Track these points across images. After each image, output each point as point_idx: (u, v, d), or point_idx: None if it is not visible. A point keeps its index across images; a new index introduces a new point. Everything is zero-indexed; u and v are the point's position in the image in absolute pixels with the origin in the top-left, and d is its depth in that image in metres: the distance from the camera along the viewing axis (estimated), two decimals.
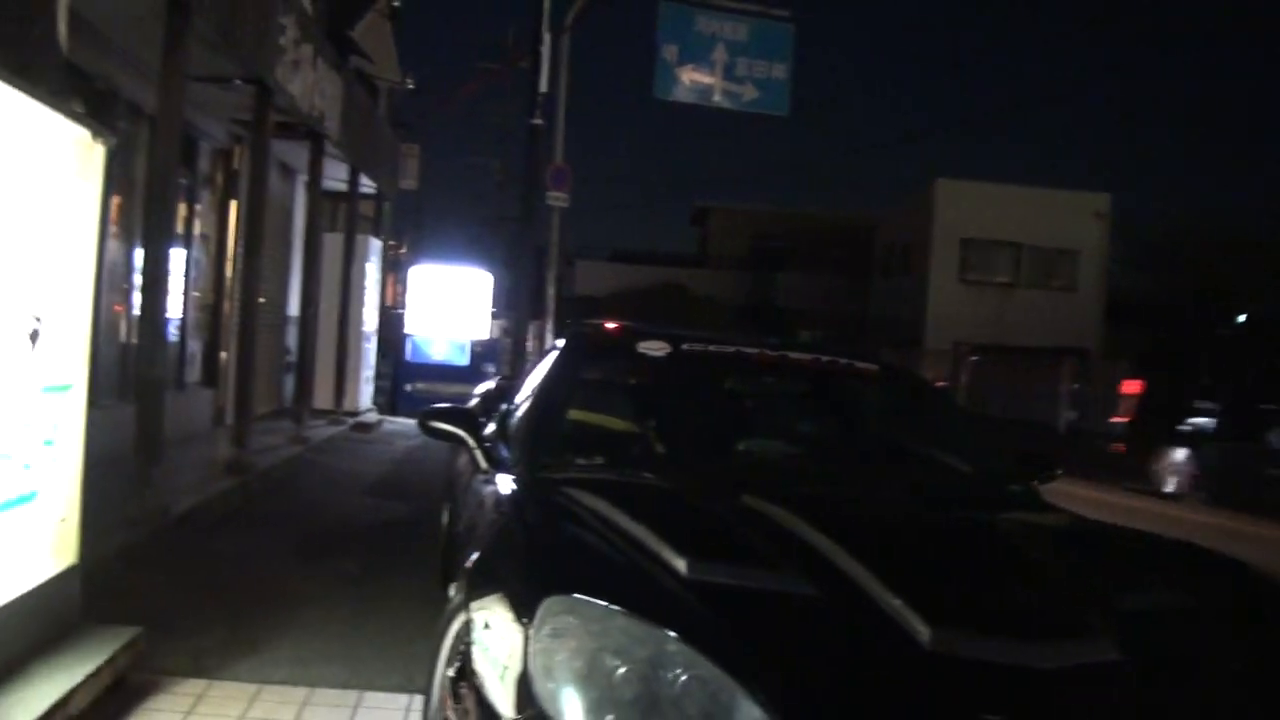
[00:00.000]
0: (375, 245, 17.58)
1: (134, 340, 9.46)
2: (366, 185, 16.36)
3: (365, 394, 17.45)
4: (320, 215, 14.28)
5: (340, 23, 15.43)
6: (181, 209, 10.99)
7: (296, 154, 13.55)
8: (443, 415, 4.39)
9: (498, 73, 33.62)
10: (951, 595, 3.01)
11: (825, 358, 5.07)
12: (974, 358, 25.28)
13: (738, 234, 42.81)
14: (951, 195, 33.67)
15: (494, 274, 21.88)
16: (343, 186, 15.38)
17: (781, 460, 4.63)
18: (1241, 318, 14.81)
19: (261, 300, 11.42)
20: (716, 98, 17.96)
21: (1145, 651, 2.75)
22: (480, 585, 3.03)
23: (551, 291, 19.85)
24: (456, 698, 3.07)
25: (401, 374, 19.29)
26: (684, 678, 2.36)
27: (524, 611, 2.57)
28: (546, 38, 17.14)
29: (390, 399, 19.27)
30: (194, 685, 4.55)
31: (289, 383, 15.43)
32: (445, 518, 6.05)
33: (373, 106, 16.99)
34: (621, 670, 2.38)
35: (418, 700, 4.45)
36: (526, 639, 2.50)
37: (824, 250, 40.58)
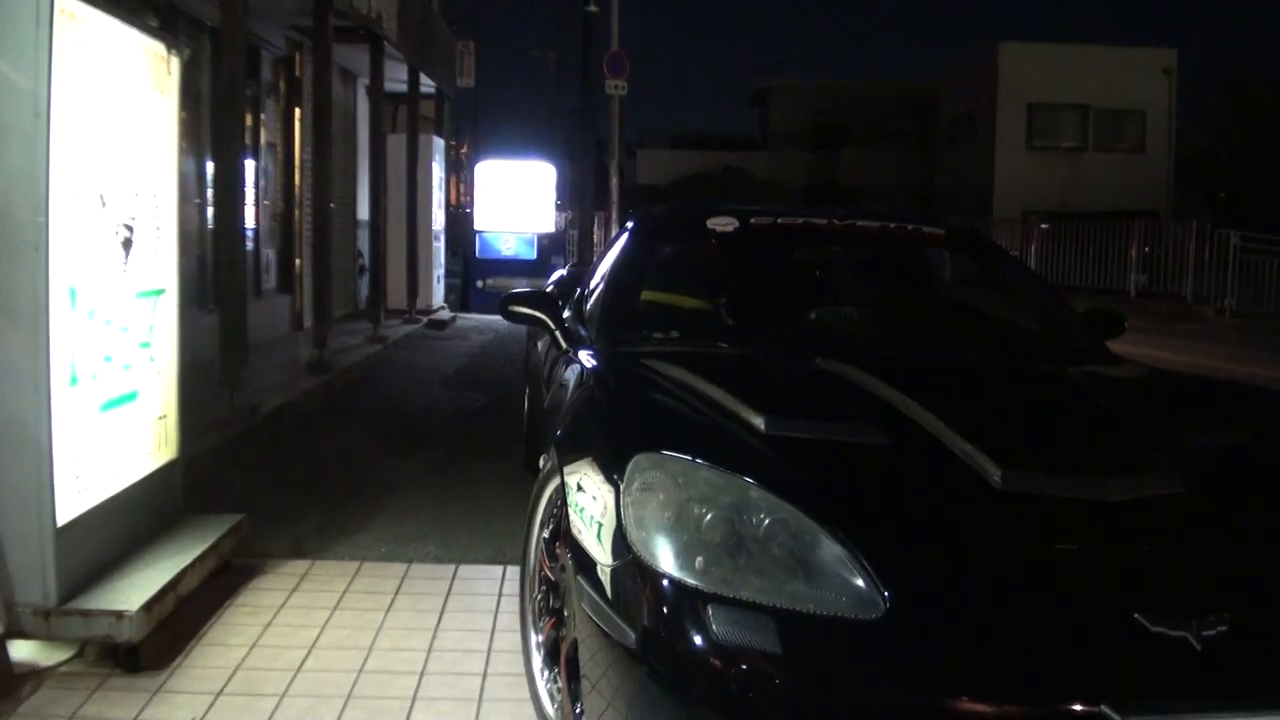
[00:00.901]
0: (438, 145, 17.67)
1: (211, 251, 9.68)
2: (426, 85, 16.40)
3: (438, 292, 17.66)
4: (383, 118, 14.39)
5: None
6: (248, 119, 11.13)
7: (356, 58, 13.64)
8: (522, 299, 4.50)
9: None
10: (1021, 439, 3.14)
11: (893, 224, 5.09)
12: (1044, 225, 24.94)
13: (798, 112, 42.26)
14: (1016, 58, 32.85)
15: (557, 167, 21.81)
16: (403, 88, 15.42)
17: (852, 325, 4.71)
18: None
19: (332, 205, 11.59)
20: None
21: (1210, 485, 2.86)
22: (571, 451, 3.17)
23: (615, 181, 19.92)
24: (552, 557, 3.27)
25: (472, 271, 19.37)
26: (767, 521, 2.50)
27: (614, 470, 2.71)
28: None
29: (462, 296, 19.43)
30: (297, 565, 4.80)
31: (363, 285, 15.67)
32: (527, 404, 6.25)
33: (427, 3, 16.99)
34: (709, 516, 2.51)
35: (511, 570, 4.70)
36: (618, 495, 2.64)
37: (887, 123, 40.05)
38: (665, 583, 2.44)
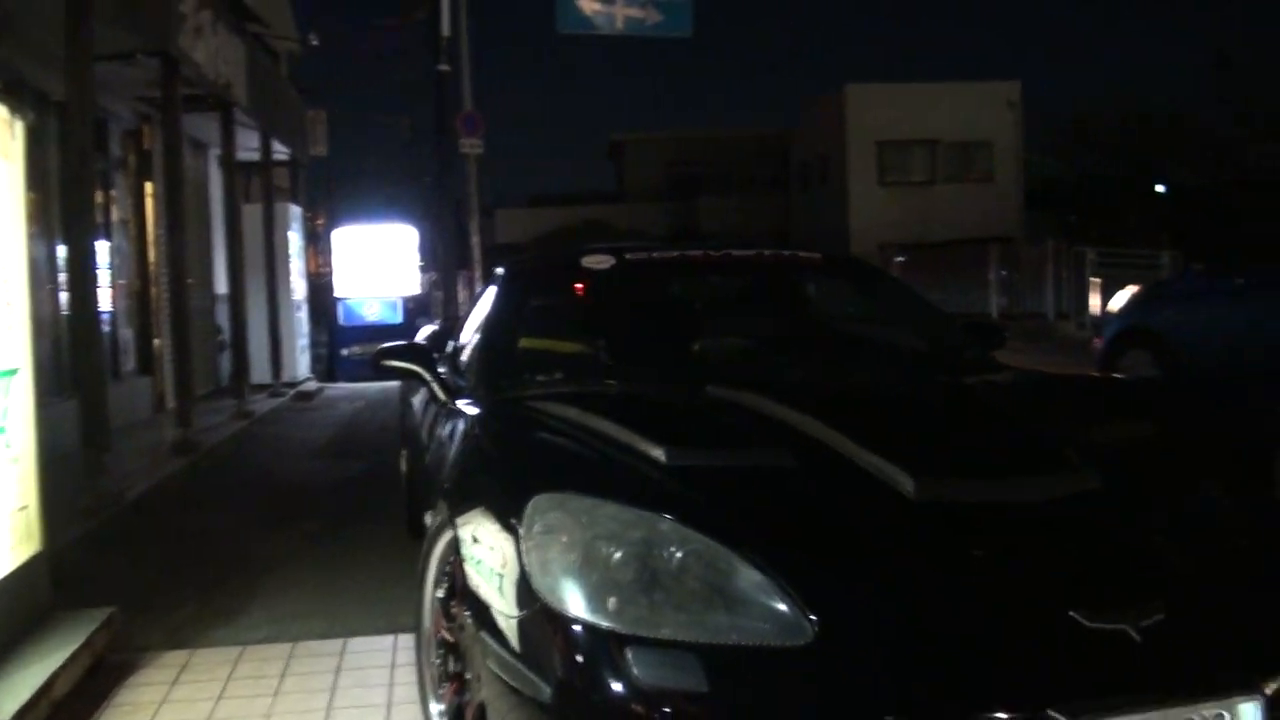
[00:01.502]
0: (295, 212, 17.37)
1: (67, 335, 9.34)
2: (279, 152, 16.15)
3: (303, 363, 17.33)
4: (237, 188, 14.12)
5: None
6: (98, 196, 10.80)
7: (206, 127, 13.34)
8: (395, 353, 4.33)
9: (395, 28, 33.15)
10: (930, 447, 3.11)
11: (768, 251, 5.10)
12: (899, 258, 25.44)
13: (653, 163, 42.57)
14: (862, 99, 33.56)
15: (418, 228, 21.68)
16: (255, 156, 15.12)
17: (737, 355, 4.65)
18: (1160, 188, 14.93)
19: (189, 280, 11.31)
20: (619, 25, 17.86)
21: (1122, 479, 2.86)
22: (462, 501, 3.03)
23: (476, 240, 19.77)
24: (449, 617, 3.11)
25: (337, 339, 19.15)
26: (679, 554, 2.41)
27: (512, 515, 2.59)
28: None
29: (328, 365, 19.17)
30: (175, 656, 4.57)
31: (225, 361, 15.29)
32: (405, 465, 6.08)
33: (276, 70, 16.76)
34: (618, 554, 2.41)
35: (404, 639, 4.53)
36: (518, 541, 2.51)
37: (741, 170, 40.54)
38: (577, 628, 2.33)
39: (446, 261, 20.76)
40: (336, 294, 19.37)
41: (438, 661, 3.24)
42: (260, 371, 15.06)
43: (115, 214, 11.92)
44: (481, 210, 21.72)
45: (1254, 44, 42.17)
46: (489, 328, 4.48)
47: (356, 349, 18.39)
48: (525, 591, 2.46)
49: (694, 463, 2.82)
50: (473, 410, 3.81)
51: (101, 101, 10.48)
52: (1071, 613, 2.29)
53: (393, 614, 4.96)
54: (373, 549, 6.27)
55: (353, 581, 5.66)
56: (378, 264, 19.15)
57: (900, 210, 32.14)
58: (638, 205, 41.18)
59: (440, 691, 3.22)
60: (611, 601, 2.33)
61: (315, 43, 23.13)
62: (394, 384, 9.14)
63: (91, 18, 7.35)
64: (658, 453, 2.82)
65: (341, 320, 19.00)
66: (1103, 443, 3.14)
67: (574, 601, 2.36)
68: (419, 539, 3.56)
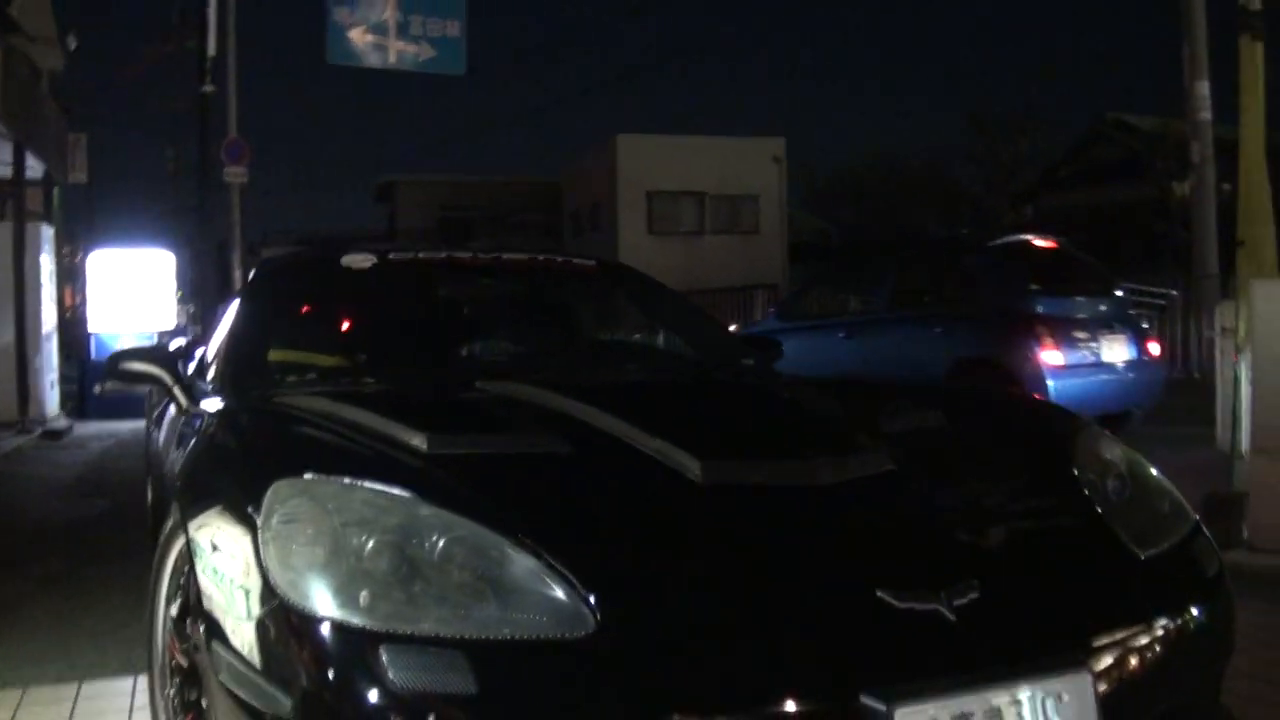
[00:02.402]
0: (48, 234, 16.43)
1: None
2: (33, 168, 15.42)
3: (52, 399, 16.52)
4: None
5: None
6: None
7: None
8: (135, 355, 3.94)
9: (165, 53, 32.23)
10: (715, 432, 3.00)
11: (541, 256, 4.98)
12: None
13: (425, 206, 42.26)
14: (633, 150, 34.20)
15: (178, 258, 20.92)
16: (7, 171, 14.37)
17: (508, 359, 4.46)
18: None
19: None
20: (392, 59, 17.72)
21: (920, 461, 2.83)
22: (195, 501, 2.66)
23: (238, 274, 19.21)
24: (182, 637, 2.79)
25: (88, 375, 18.26)
26: (441, 541, 2.18)
27: (249, 506, 2.29)
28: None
29: (79, 402, 18.28)
30: None
31: None
32: (150, 493, 5.76)
33: (34, 80, 16.00)
34: (370, 543, 2.16)
35: (143, 680, 4.26)
36: (256, 536, 2.23)
37: (514, 215, 40.64)
38: (324, 628, 2.06)
39: (205, 292, 20.15)
40: (89, 328, 18.49)
41: (172, 692, 2.90)
42: (6, 408, 14.28)
43: None
44: (248, 248, 21.16)
45: (1004, 106, 44.57)
46: (236, 327, 4.12)
47: (109, 385, 17.62)
48: (263, 590, 2.16)
49: (460, 450, 2.59)
50: (214, 406, 3.50)
51: None
52: (878, 593, 2.19)
53: (133, 655, 4.69)
54: (113, 588, 5.93)
55: (93, 623, 5.35)
56: (133, 294, 18.33)
57: (670, 258, 32.51)
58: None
59: None
60: (363, 596, 2.08)
61: (74, 45, 22.23)
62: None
63: None
64: (418, 440, 2.58)
65: (94, 354, 18.13)
66: (893, 431, 3.04)
67: (320, 597, 2.09)
68: None
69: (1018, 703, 2.12)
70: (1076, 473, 2.88)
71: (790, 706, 2.02)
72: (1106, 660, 2.27)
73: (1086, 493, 2.81)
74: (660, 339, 5.26)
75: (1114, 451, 3.02)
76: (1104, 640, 2.31)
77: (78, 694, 4.31)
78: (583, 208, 37.53)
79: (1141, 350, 9.70)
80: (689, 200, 34.52)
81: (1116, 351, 9.50)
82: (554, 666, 2.05)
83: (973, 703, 2.09)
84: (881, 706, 2.01)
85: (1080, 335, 9.33)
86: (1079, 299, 9.75)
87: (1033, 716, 2.13)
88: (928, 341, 9.83)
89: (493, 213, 40.75)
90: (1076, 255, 10.76)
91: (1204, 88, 12.89)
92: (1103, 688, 2.22)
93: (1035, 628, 2.31)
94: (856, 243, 35.44)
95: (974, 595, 2.24)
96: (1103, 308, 9.81)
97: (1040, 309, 9.37)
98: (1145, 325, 10.62)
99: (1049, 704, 2.14)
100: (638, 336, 5.33)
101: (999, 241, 10.57)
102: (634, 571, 2.25)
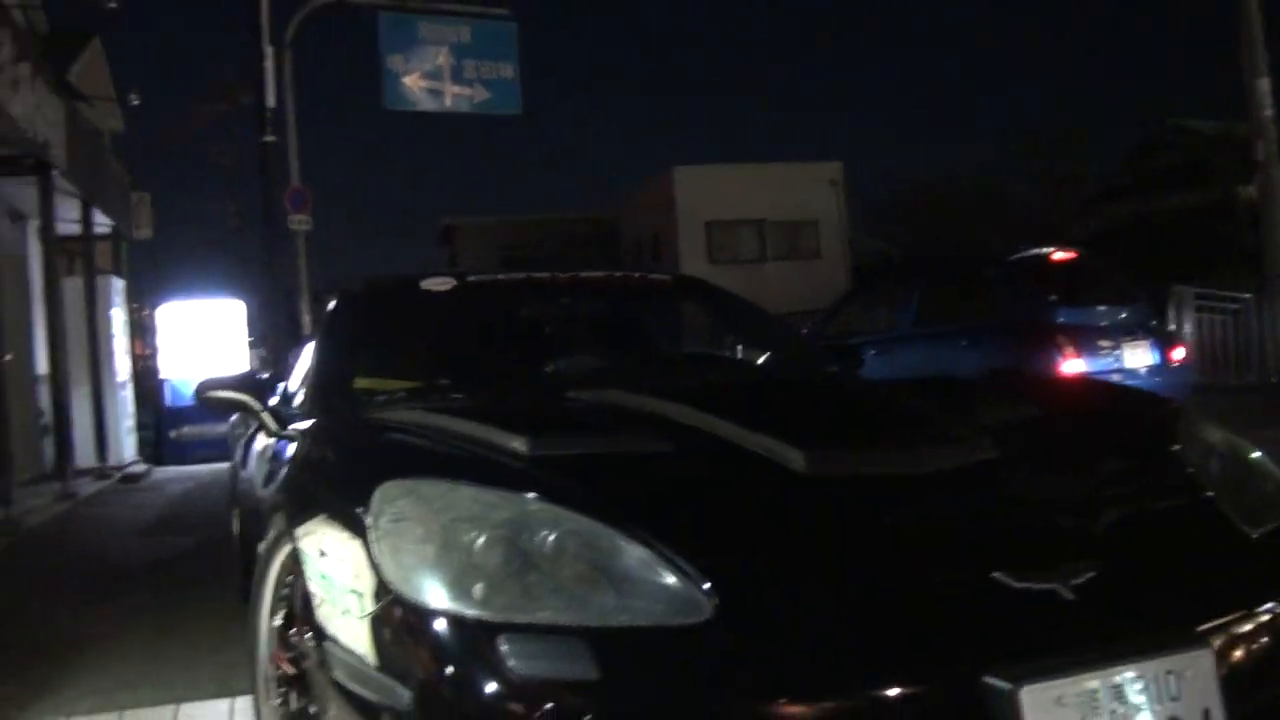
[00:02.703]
0: (118, 286, 16.75)
1: None
2: (102, 224, 15.69)
3: (129, 445, 16.73)
4: (57, 260, 13.62)
5: (56, 64, 14.74)
6: None
7: (24, 195, 12.85)
8: (222, 383, 3.96)
9: (222, 110, 32.71)
10: (817, 425, 3.00)
11: (618, 273, 5.02)
12: None
13: (486, 248, 42.32)
14: (689, 180, 34.09)
15: (246, 303, 21.14)
16: (76, 228, 14.64)
17: (593, 373, 4.35)
18: None
19: (8, 358, 10.87)
20: (448, 103, 17.79)
21: (1019, 449, 2.83)
22: (301, 510, 2.71)
23: (307, 320, 19.39)
24: (287, 646, 2.83)
25: (164, 421, 18.47)
26: (553, 536, 2.19)
27: (358, 507, 2.32)
28: (269, 51, 16.68)
29: (155, 449, 18.51)
30: None
31: (47, 445, 14.70)
32: (237, 526, 5.82)
33: (99, 137, 16.27)
34: (481, 538, 2.18)
35: (240, 702, 4.32)
36: (367, 537, 2.25)
37: (575, 251, 40.71)
38: (439, 621, 2.08)
39: (276, 341, 20.33)
40: (162, 375, 18.72)
41: (278, 701, 2.95)
42: (85, 454, 14.49)
43: None
44: (314, 295, 21.33)
45: (1060, 119, 44.20)
46: (321, 353, 4.15)
47: (185, 430, 17.83)
48: (376, 588, 2.20)
49: (561, 451, 2.60)
50: (307, 425, 3.54)
51: None
52: (994, 574, 2.18)
53: (226, 679, 4.76)
54: (203, 617, 6.00)
55: (182, 649, 5.41)
56: (205, 341, 18.58)
57: (732, 286, 32.15)
58: None
59: None
60: (478, 589, 2.10)
61: (136, 102, 22.57)
62: (226, 465, 8.89)
63: None
64: (518, 444, 2.58)
65: (168, 401, 18.34)
66: (992, 421, 3.04)
67: (433, 592, 2.11)
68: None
69: (1140, 681, 2.10)
70: (1181, 455, 2.88)
71: (910, 688, 2.02)
72: (1226, 638, 2.24)
73: (1193, 474, 2.80)
74: (742, 351, 5.24)
75: (1215, 435, 3.02)
76: (1222, 618, 2.28)
77: (175, 716, 4.37)
78: (642, 241, 37.46)
79: (1165, 356, 9.88)
80: (748, 228, 34.37)
81: (1139, 357, 9.67)
82: (671, 652, 2.05)
83: (1096, 681, 2.07)
84: (1006, 686, 2.00)
85: (1102, 343, 9.54)
86: (1099, 308, 9.97)
87: (1155, 694, 2.10)
88: (955, 354, 9.95)
89: (552, 250, 40.83)
90: (1097, 266, 11.00)
91: (1265, 85, 12.83)
92: (1223, 666, 2.19)
93: (1154, 606, 2.29)
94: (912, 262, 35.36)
95: (1091, 575, 2.22)
96: (1123, 316, 9.99)
97: (1061, 319, 9.61)
98: (1172, 329, 10.68)
99: (1171, 681, 2.11)
100: (721, 349, 5.31)
101: (1019, 255, 10.72)
102: (746, 558, 2.24)
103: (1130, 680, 2.09)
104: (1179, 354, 10.13)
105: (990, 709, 2.00)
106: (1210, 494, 2.71)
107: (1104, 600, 2.21)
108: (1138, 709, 2.09)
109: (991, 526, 2.45)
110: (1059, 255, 10.55)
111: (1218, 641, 2.21)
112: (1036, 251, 10.63)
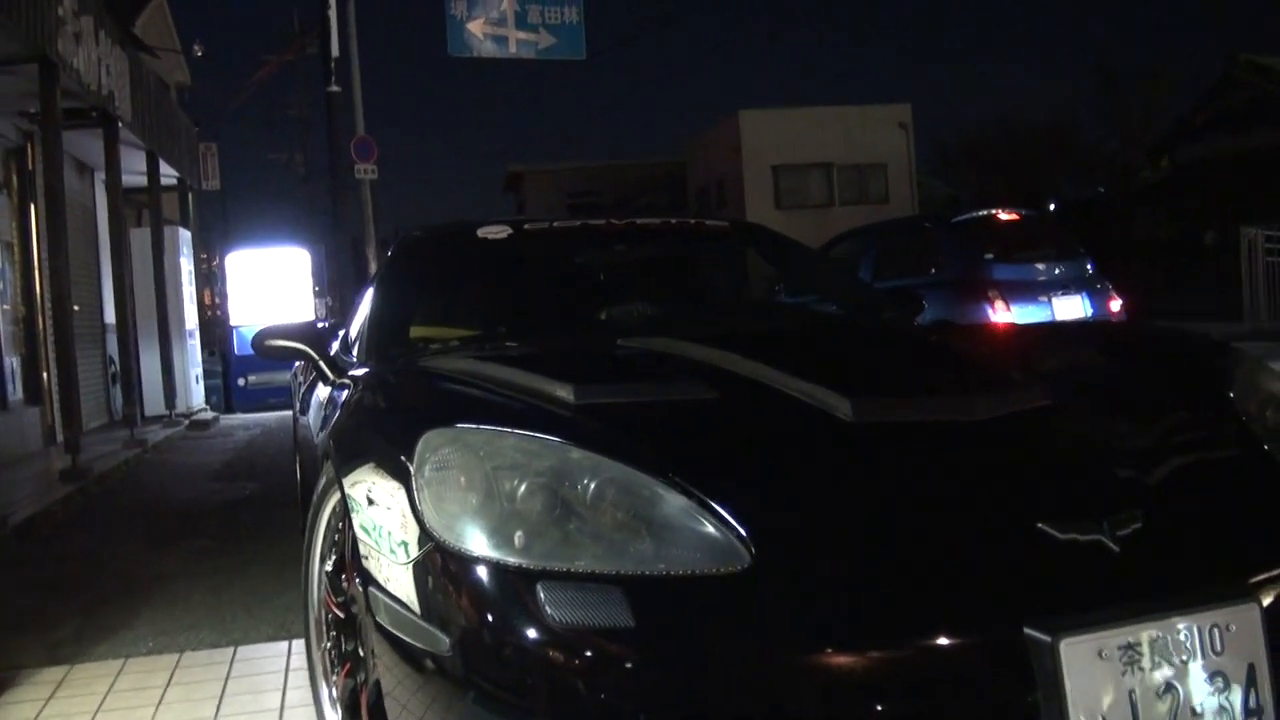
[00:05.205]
0: (185, 237, 16.88)
1: None
2: (168, 175, 15.79)
3: (197, 393, 16.93)
4: (124, 212, 13.73)
5: (120, 17, 14.79)
6: None
7: (91, 148, 12.93)
8: (280, 332, 3.96)
9: (287, 61, 32.89)
10: (865, 373, 2.95)
11: (674, 220, 4.94)
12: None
13: (552, 194, 42.39)
14: (756, 124, 33.75)
15: (312, 254, 21.28)
16: (142, 180, 14.75)
17: (646, 320, 4.27)
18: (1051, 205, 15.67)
19: (76, 308, 10.95)
20: (512, 49, 17.75)
21: (1073, 396, 2.75)
22: (350, 458, 2.68)
23: (373, 268, 19.47)
24: (337, 591, 2.85)
25: (232, 369, 18.64)
26: (593, 484, 2.17)
27: (403, 455, 2.31)
28: (333, 0, 16.68)
29: (224, 396, 18.71)
30: (52, 673, 4.35)
31: (117, 393, 14.88)
32: (299, 472, 5.82)
33: (164, 90, 16.34)
34: (523, 486, 2.17)
35: (298, 644, 4.33)
36: (410, 484, 2.24)
37: (639, 197, 40.64)
38: (480, 568, 2.07)
39: (342, 286, 20.46)
40: (231, 322, 18.90)
41: (329, 645, 2.98)
42: (154, 401, 14.68)
43: None
44: (380, 242, 21.44)
45: (1131, 58, 43.32)
46: (378, 301, 4.15)
47: (254, 378, 17.99)
48: (419, 535, 2.19)
49: (606, 400, 2.56)
50: (361, 372, 3.55)
51: None
52: (1040, 525, 2.12)
53: (285, 622, 4.78)
54: (266, 563, 6.06)
55: (244, 593, 5.45)
56: (272, 290, 18.73)
57: (800, 231, 31.74)
58: None
59: (334, 675, 2.96)
60: (518, 536, 2.09)
61: (200, 53, 22.67)
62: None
63: None
64: (564, 392, 2.55)
65: (236, 349, 18.51)
66: (1047, 368, 3.00)
67: (475, 539, 2.11)
68: None
69: (1184, 633, 2.02)
70: (1236, 404, 2.78)
71: (951, 639, 1.96)
72: (1275, 593, 2.14)
73: (1246, 423, 2.70)
74: (799, 297, 5.15)
75: (1275, 384, 2.90)
76: (1270, 572, 2.18)
77: (233, 658, 4.38)
78: (708, 186, 37.23)
79: (1101, 308, 10.45)
80: (816, 172, 34.02)
81: (1069, 309, 10.31)
82: (710, 601, 2.01)
83: (1138, 633, 2.00)
84: (1046, 638, 1.93)
85: (1034, 298, 10.26)
86: (1037, 266, 10.64)
87: (1200, 647, 2.03)
88: None
89: (618, 197, 40.74)
90: (1041, 225, 11.98)
91: None
92: (1271, 620, 2.09)
93: (1201, 558, 2.21)
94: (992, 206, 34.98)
95: (1137, 526, 2.16)
96: (1058, 271, 10.64)
97: (995, 275, 10.38)
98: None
99: (1216, 634, 2.04)
100: (779, 294, 5.22)
101: (962, 217, 11.59)
102: (787, 507, 2.20)
103: (1174, 633, 2.02)
104: (1116, 305, 10.67)
105: (1031, 661, 1.95)
106: (1263, 444, 2.62)
107: (1150, 552, 2.14)
108: (1181, 663, 2.02)
109: (1039, 476, 2.37)
110: (1003, 216, 11.33)
111: (1266, 596, 2.12)
112: (981, 213, 11.47)
